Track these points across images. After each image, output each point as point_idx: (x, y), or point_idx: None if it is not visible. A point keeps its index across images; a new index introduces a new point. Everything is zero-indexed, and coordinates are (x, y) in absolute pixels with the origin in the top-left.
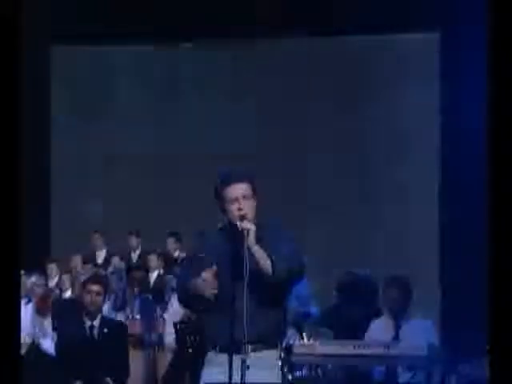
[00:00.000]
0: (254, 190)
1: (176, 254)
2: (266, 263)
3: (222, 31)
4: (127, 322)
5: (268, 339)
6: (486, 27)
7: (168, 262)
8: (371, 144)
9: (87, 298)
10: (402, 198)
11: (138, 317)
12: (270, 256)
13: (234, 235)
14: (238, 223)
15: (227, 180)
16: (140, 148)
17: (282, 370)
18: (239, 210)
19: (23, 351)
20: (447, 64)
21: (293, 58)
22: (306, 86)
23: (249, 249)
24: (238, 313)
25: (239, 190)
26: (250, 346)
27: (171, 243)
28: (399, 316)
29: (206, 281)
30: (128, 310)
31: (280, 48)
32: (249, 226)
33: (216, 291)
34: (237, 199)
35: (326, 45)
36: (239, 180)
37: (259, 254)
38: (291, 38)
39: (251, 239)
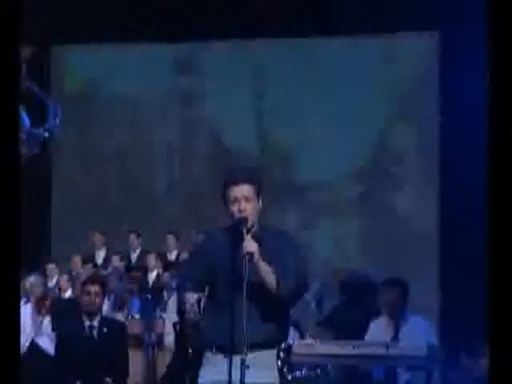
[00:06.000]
0: (257, 192)
1: (175, 253)
2: (270, 279)
3: (222, 31)
4: (127, 322)
5: (268, 341)
6: (485, 27)
7: (167, 261)
8: (371, 145)
9: (86, 299)
10: (402, 198)
11: (137, 317)
12: (275, 273)
13: (235, 238)
14: (244, 244)
15: (230, 180)
16: (140, 148)
17: (281, 370)
18: (239, 211)
19: (22, 351)
20: (447, 64)
21: (292, 57)
22: (306, 85)
23: (256, 270)
24: (237, 314)
25: (240, 190)
26: (249, 347)
27: (170, 242)
28: (398, 316)
29: (188, 306)
30: (127, 310)
31: (279, 48)
32: (251, 249)
33: (196, 318)
34: (238, 200)
35: (325, 45)
36: (242, 181)
37: (264, 269)
38: (291, 38)
39: (256, 259)
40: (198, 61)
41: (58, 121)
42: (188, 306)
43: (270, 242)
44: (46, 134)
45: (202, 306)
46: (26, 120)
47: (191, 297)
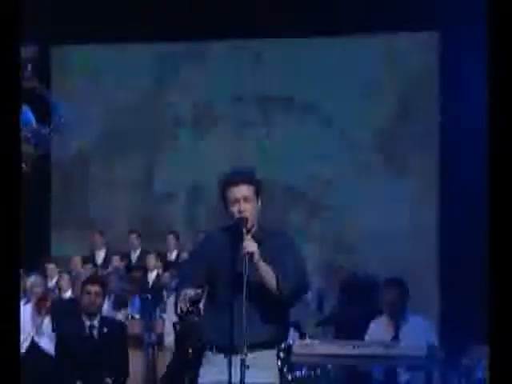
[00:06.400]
0: (256, 192)
1: (175, 253)
2: (270, 278)
3: (222, 30)
4: (127, 322)
5: (268, 341)
6: (485, 27)
7: (167, 261)
8: (370, 144)
9: (86, 299)
10: (402, 198)
11: (137, 317)
12: (275, 272)
13: (235, 238)
14: (243, 244)
15: (229, 181)
16: (140, 147)
17: (281, 370)
18: (239, 211)
19: (23, 351)
20: (447, 64)
21: (292, 57)
22: (306, 85)
23: (256, 270)
24: (237, 314)
25: (240, 191)
26: (249, 347)
27: (171, 242)
28: (398, 316)
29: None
30: (127, 310)
31: (278, 47)
32: (251, 249)
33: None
34: (237, 201)
35: (325, 45)
36: (241, 181)
37: (264, 269)
38: (291, 38)
39: (256, 259)
40: (199, 61)
41: (62, 120)
42: (183, 303)
43: (269, 242)
44: (52, 134)
45: (200, 304)
46: (32, 120)
47: (187, 295)
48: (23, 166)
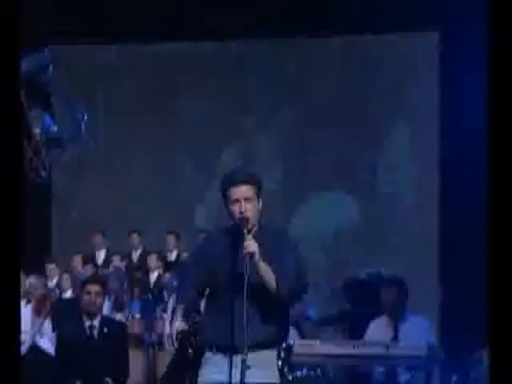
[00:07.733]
0: (257, 191)
1: (174, 253)
2: (271, 279)
3: (221, 30)
4: (127, 322)
5: (268, 341)
6: (485, 27)
7: (168, 262)
8: (370, 145)
9: (87, 299)
10: (402, 198)
11: (138, 317)
12: (276, 272)
13: (236, 238)
14: (244, 244)
15: (230, 181)
16: (140, 147)
17: (281, 369)
18: (240, 211)
19: (23, 351)
20: (447, 64)
21: (293, 57)
22: (307, 85)
23: (256, 270)
24: (237, 314)
25: (241, 191)
26: (249, 347)
27: (170, 242)
28: (398, 316)
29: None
30: (128, 310)
31: (278, 47)
32: (252, 249)
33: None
34: (238, 201)
35: (326, 45)
36: (241, 181)
37: (264, 269)
38: (291, 38)
39: (256, 259)
40: (198, 60)
41: (85, 118)
42: (170, 341)
43: (270, 242)
44: (65, 136)
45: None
46: (52, 126)
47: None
48: (43, 172)
